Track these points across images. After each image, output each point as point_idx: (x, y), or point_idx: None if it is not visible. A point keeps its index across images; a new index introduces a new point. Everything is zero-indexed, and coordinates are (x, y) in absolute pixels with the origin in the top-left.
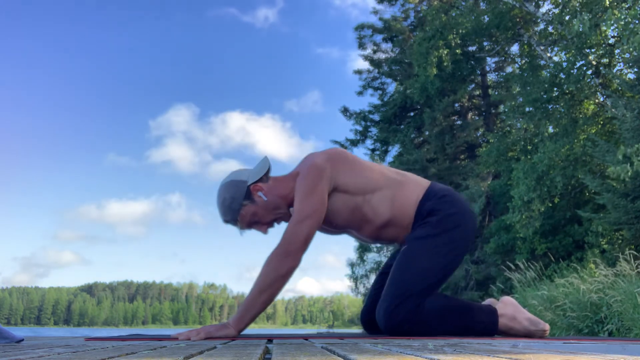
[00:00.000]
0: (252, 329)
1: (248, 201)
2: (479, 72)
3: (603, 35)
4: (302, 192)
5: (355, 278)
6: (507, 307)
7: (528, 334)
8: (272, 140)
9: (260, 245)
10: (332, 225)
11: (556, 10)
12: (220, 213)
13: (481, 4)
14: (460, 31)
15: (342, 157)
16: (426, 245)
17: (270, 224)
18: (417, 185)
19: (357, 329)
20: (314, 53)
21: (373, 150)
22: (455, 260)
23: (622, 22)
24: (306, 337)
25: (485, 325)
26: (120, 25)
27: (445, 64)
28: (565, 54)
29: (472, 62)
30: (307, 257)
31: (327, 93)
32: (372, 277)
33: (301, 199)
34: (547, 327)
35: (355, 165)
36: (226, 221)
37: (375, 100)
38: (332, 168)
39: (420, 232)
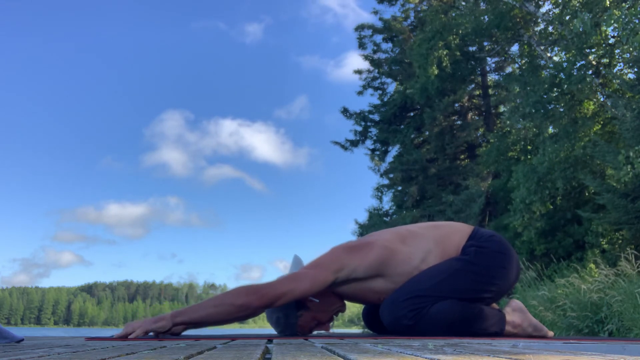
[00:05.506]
0: (252, 328)
1: (302, 310)
2: (479, 72)
3: (603, 35)
4: (316, 261)
5: None
6: (515, 314)
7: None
8: (266, 147)
9: (261, 246)
10: (382, 297)
11: (556, 10)
12: (277, 331)
13: (481, 4)
14: (460, 31)
15: (370, 250)
16: (456, 265)
17: (330, 320)
18: (458, 232)
19: (357, 329)
20: (297, 63)
21: (373, 150)
22: (480, 295)
23: (622, 21)
24: (306, 337)
25: (491, 334)
26: (118, 31)
27: (444, 64)
28: (565, 54)
29: (472, 62)
30: (308, 255)
31: (313, 100)
32: None
33: (309, 266)
34: (550, 334)
35: (394, 245)
36: (286, 335)
37: (375, 100)
38: (354, 262)
39: (459, 257)
